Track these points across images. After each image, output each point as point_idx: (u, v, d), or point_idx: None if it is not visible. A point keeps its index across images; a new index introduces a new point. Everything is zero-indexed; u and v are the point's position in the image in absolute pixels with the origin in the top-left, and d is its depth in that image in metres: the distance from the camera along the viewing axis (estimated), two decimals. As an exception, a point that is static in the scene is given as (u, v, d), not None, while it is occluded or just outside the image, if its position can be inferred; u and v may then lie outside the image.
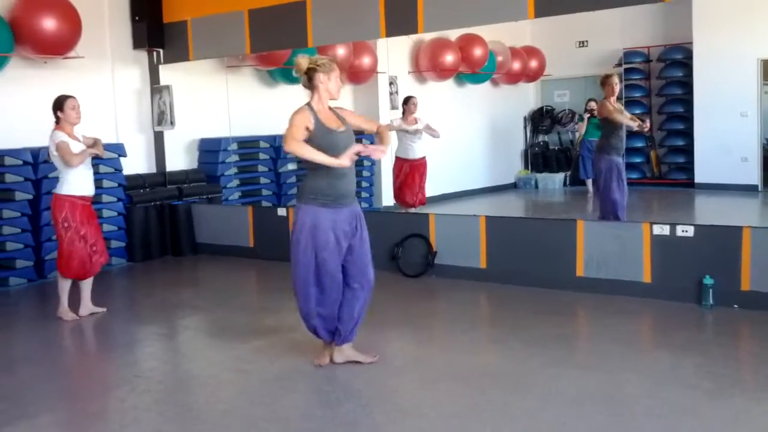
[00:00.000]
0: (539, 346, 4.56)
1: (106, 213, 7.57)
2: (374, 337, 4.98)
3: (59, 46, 7.06)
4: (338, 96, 4.16)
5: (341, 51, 9.34)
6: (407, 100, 8.34)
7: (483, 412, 3.59)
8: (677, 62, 11.94)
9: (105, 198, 7.56)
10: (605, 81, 6.95)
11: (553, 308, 5.46)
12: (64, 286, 5.51)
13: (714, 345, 4.67)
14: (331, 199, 4.02)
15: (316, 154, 3.89)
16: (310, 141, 3.96)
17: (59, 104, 5.36)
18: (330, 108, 4.16)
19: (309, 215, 4.03)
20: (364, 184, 10.45)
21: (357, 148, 4.01)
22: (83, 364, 4.70)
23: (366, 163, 10.42)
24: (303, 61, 4.05)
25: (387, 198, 10.54)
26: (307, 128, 3.97)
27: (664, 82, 12.18)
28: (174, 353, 5.00)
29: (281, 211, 7.73)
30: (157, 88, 8.22)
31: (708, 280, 5.24)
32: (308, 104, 4.09)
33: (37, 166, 6.99)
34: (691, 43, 11.26)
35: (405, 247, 6.68)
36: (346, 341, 4.25)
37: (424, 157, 8.53)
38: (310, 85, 4.10)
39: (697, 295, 5.33)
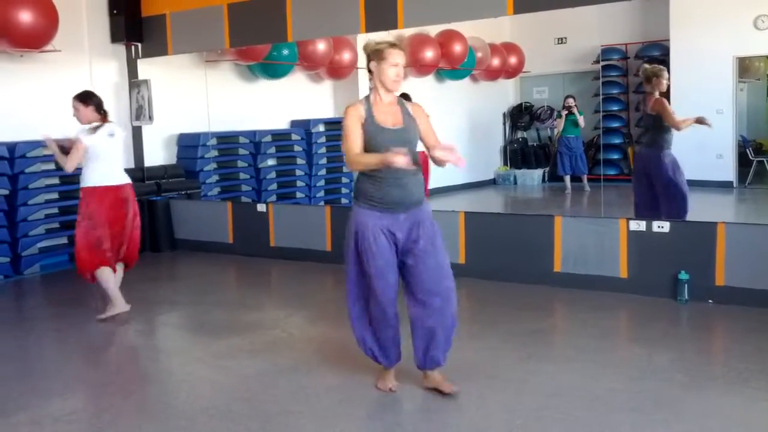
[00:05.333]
0: (517, 341, 4.60)
1: (83, 208, 7.51)
2: (352, 333, 4.99)
3: (35, 40, 6.96)
4: (394, 87, 3.61)
5: (321, 46, 9.33)
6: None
7: (460, 407, 3.61)
8: (654, 59, 12.02)
9: (82, 193, 7.49)
10: (656, 74, 6.44)
11: (531, 303, 5.51)
12: (103, 279, 5.34)
13: (689, 339, 4.75)
14: (383, 204, 3.58)
15: (373, 160, 3.46)
16: (365, 134, 3.56)
17: (84, 100, 5.36)
18: (399, 102, 3.69)
19: (358, 217, 3.63)
20: (344, 180, 10.45)
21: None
22: (60, 361, 4.67)
23: (346, 158, 10.41)
24: (365, 46, 3.62)
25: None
26: (362, 124, 3.57)
27: (641, 79, 12.28)
28: (152, 350, 4.97)
29: (261, 207, 7.72)
30: (135, 83, 8.16)
31: (683, 276, 5.31)
32: (366, 96, 3.67)
33: (14, 161, 6.92)
34: (668, 40, 11.37)
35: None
36: (429, 365, 3.72)
37: (423, 152, 8.53)
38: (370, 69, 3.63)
39: (672, 291, 5.40)
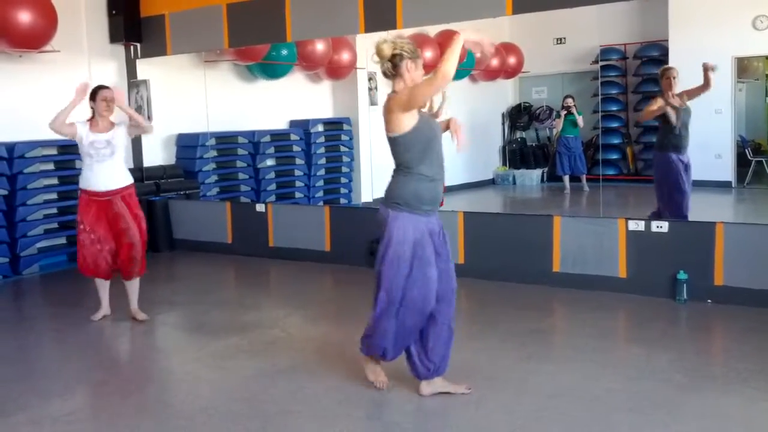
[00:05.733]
0: (516, 341, 4.61)
1: (82, 208, 7.51)
2: (351, 333, 4.99)
3: (34, 40, 6.96)
4: None
5: (320, 46, 9.33)
6: None
7: (459, 407, 3.61)
8: (653, 59, 12.04)
9: (81, 193, 7.50)
10: (663, 74, 6.52)
11: (530, 303, 5.51)
12: (97, 284, 5.42)
13: (687, 339, 4.75)
14: (431, 206, 3.54)
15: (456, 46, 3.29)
16: (416, 130, 3.46)
17: (91, 94, 5.28)
18: None
19: (413, 223, 3.50)
20: (343, 180, 10.46)
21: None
22: (59, 361, 4.67)
23: (345, 159, 10.43)
24: (386, 46, 3.45)
25: (366, 194, 10.55)
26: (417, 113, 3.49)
27: (640, 79, 12.29)
28: (151, 349, 4.97)
29: (260, 207, 7.72)
30: (134, 83, 8.15)
31: (682, 275, 5.32)
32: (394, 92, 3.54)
33: (12, 161, 6.92)
34: (667, 40, 11.37)
35: (383, 242, 6.69)
36: (436, 374, 3.72)
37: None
38: (395, 72, 3.49)
39: (671, 290, 5.40)
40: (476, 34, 3.38)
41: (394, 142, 3.55)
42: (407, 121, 3.47)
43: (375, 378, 3.83)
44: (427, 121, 3.58)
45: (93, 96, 5.24)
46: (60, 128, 5.15)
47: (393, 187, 3.57)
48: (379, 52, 3.48)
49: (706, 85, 6.43)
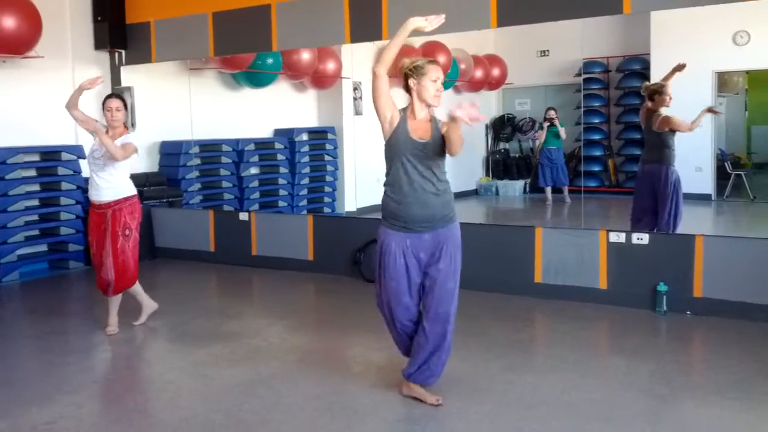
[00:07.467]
0: (497, 352, 4.63)
1: (64, 216, 7.47)
2: (333, 342, 5.00)
3: (19, 45, 6.94)
4: (435, 102, 3.67)
5: (305, 55, 9.35)
6: None
7: (441, 417, 3.63)
8: (635, 73, 12.18)
9: (63, 201, 7.46)
10: (659, 91, 6.72)
11: (512, 314, 5.54)
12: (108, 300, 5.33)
13: (667, 351, 4.79)
14: (401, 223, 3.62)
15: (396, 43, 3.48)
16: (387, 143, 3.62)
17: (102, 101, 5.22)
18: (433, 119, 3.69)
19: (382, 236, 3.68)
20: (327, 189, 10.47)
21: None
22: (40, 369, 4.62)
23: (329, 168, 10.44)
24: (403, 63, 3.66)
25: (350, 203, 10.56)
26: (392, 119, 3.60)
27: (622, 92, 12.42)
28: (132, 358, 4.94)
29: (243, 216, 7.71)
30: (118, 90, 8.12)
31: (662, 287, 5.38)
32: (404, 108, 3.69)
33: (-6, 166, 6.87)
34: (649, 54, 11.51)
35: (367, 252, 6.71)
36: (418, 380, 3.79)
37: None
38: (408, 89, 3.69)
39: (651, 302, 5.46)
40: (462, 111, 3.49)
41: None
42: (384, 130, 3.64)
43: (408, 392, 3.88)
44: (400, 136, 3.58)
45: (104, 103, 5.21)
46: (73, 112, 5.11)
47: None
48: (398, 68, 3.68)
49: (693, 124, 6.79)
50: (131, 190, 5.23)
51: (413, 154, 3.57)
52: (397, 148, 3.59)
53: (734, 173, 11.15)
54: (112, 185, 5.13)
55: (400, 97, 3.74)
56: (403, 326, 3.79)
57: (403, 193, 3.58)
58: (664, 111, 6.80)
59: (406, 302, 3.70)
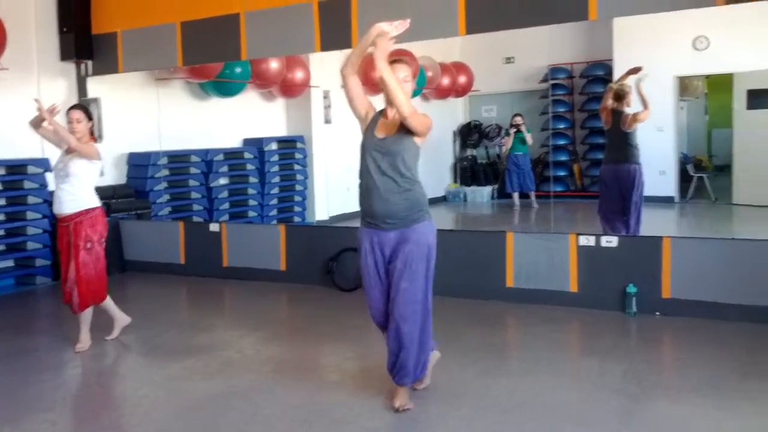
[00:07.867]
0: (472, 356, 4.67)
1: (30, 230, 7.35)
2: (307, 352, 4.99)
3: (-19, 58, 6.83)
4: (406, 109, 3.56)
5: (274, 64, 9.33)
6: None
7: (418, 423, 3.65)
8: (599, 78, 12.38)
9: (30, 215, 7.34)
10: (627, 92, 6.98)
11: (485, 319, 5.59)
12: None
13: (638, 351, 4.88)
14: (369, 218, 3.73)
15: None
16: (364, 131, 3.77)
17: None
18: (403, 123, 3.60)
19: (358, 234, 3.82)
20: (297, 198, 10.45)
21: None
22: (10, 387, 4.54)
23: (299, 177, 10.42)
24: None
25: (321, 212, 10.55)
26: (366, 117, 3.77)
27: (586, 97, 12.61)
28: (105, 374, 4.88)
29: (214, 227, 7.66)
30: (84, 101, 8.02)
31: (631, 289, 5.47)
32: (382, 109, 3.79)
33: (-43, 181, 6.74)
34: (612, 60, 11.71)
35: (340, 261, 6.71)
36: (396, 380, 3.79)
37: None
38: None
39: (621, 304, 5.55)
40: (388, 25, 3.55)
41: None
42: (361, 128, 3.82)
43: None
44: (367, 132, 3.75)
45: (66, 114, 5.15)
46: (37, 131, 5.17)
47: None
48: None
49: (643, 113, 7.01)
50: (94, 203, 5.12)
51: (376, 150, 3.66)
52: (363, 143, 3.73)
53: (696, 176, 11.39)
54: (74, 197, 5.03)
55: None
56: (378, 322, 3.88)
57: (367, 188, 3.69)
58: (627, 110, 6.97)
59: (375, 297, 3.79)
